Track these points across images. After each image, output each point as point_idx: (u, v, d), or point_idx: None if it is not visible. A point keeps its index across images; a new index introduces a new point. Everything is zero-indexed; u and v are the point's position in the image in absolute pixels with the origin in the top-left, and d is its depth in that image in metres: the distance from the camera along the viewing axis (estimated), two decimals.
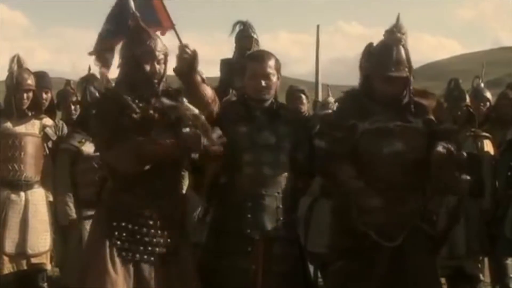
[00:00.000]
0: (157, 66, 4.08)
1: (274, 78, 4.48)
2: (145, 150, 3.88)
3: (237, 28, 7.09)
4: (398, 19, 4.79)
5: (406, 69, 4.46)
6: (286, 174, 4.43)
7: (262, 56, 4.55)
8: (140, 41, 4.10)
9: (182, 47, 4.20)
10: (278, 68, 4.50)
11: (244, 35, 7.04)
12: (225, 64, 7.04)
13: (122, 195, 3.99)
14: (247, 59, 4.66)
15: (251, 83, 4.48)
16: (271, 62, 4.47)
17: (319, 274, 6.16)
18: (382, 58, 4.46)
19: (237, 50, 7.09)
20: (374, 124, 4.39)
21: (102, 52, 5.44)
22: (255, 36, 7.06)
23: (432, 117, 4.54)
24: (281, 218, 4.39)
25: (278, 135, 4.43)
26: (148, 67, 4.04)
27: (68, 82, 6.90)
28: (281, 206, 4.39)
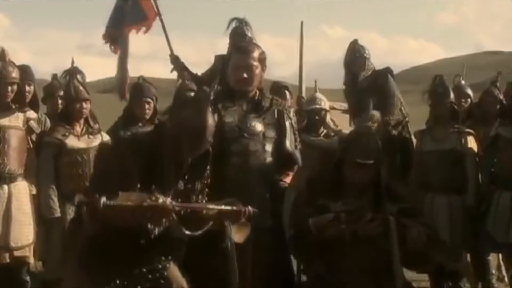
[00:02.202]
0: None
1: (256, 70, 4.49)
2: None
3: (233, 25, 7.06)
4: (370, 106, 4.92)
5: (375, 158, 4.52)
6: (272, 163, 4.45)
7: (246, 48, 4.56)
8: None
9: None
10: (262, 59, 4.51)
11: (238, 32, 7.02)
12: (220, 59, 6.98)
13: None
14: (232, 50, 4.67)
15: (233, 74, 4.50)
16: (255, 54, 4.49)
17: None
18: (352, 145, 4.55)
19: (230, 46, 7.06)
20: (347, 205, 4.40)
21: None
22: (249, 34, 7.01)
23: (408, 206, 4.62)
24: (269, 208, 4.41)
25: (264, 124, 4.45)
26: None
27: (55, 76, 6.87)
28: (268, 195, 4.40)
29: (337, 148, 4.93)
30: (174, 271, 3.89)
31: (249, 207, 3.82)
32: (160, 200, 3.54)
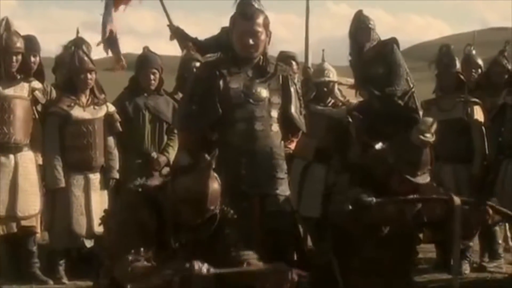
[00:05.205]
0: None
1: (262, 36, 4.47)
2: None
3: None
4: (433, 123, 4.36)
5: (429, 170, 4.34)
6: (278, 129, 4.44)
7: (251, 14, 4.54)
8: None
9: None
10: (267, 24, 4.50)
11: (245, 2, 6.95)
12: (225, 30, 6.92)
13: None
14: (236, 16, 4.64)
15: (238, 40, 4.48)
16: (260, 20, 4.49)
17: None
18: (404, 158, 4.28)
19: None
20: None
21: None
22: (256, 5, 6.95)
23: None
24: (275, 174, 4.40)
25: (269, 90, 4.44)
26: None
27: (66, 46, 6.82)
28: (273, 162, 4.39)
29: (386, 154, 4.41)
30: None
31: (295, 271, 3.56)
32: (196, 267, 3.40)
